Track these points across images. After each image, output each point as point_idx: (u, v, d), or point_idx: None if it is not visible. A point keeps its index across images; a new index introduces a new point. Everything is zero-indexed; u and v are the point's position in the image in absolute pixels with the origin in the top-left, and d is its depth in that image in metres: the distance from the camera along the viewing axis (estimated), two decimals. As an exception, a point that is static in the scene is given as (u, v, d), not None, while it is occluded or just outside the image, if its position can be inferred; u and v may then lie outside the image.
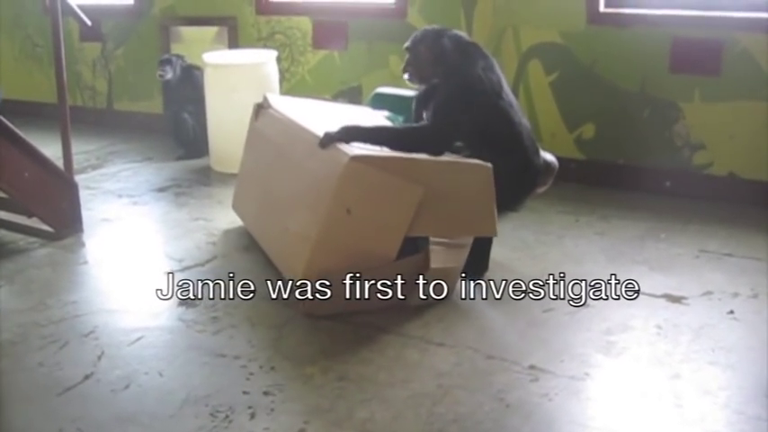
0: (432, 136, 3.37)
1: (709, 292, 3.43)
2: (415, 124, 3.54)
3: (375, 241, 3.19)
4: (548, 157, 3.74)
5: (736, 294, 3.41)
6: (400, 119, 4.09)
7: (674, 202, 4.57)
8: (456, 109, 3.37)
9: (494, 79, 3.49)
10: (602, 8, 4.79)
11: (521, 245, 3.97)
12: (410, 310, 3.26)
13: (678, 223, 4.24)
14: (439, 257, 3.28)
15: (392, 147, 3.30)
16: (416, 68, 3.57)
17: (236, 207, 4.32)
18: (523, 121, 3.62)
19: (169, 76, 5.66)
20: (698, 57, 4.56)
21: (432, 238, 3.28)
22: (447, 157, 3.39)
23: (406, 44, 3.61)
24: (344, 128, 3.32)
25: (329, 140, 3.30)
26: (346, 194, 3.13)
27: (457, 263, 3.36)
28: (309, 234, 3.22)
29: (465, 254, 3.42)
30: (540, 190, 3.71)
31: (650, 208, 4.46)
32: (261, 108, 4.16)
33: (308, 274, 3.19)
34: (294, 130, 3.71)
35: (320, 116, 3.92)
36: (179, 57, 5.79)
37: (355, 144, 3.29)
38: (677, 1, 4.66)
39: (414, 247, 3.35)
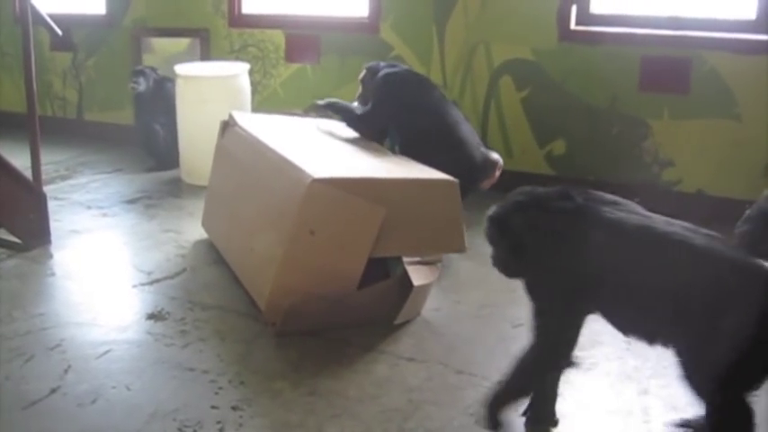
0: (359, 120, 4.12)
1: (677, 309, 3.46)
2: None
3: (340, 262, 3.17)
4: (491, 154, 4.18)
5: None
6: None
7: (642, 218, 4.60)
8: (381, 100, 4.06)
9: (422, 79, 4.29)
10: (572, 26, 4.85)
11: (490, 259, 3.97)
12: (380, 325, 3.26)
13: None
14: (418, 275, 3.27)
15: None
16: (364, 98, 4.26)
17: (205, 225, 4.30)
18: (464, 123, 4.14)
19: (142, 87, 5.63)
20: (667, 75, 4.62)
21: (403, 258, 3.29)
22: (412, 174, 3.41)
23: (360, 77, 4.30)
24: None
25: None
26: (309, 216, 3.11)
27: (429, 280, 3.35)
28: (274, 255, 3.21)
29: (436, 272, 3.42)
30: (485, 185, 4.06)
31: (619, 224, 4.48)
32: (227, 126, 4.15)
33: (274, 295, 3.18)
34: (259, 150, 3.70)
35: (287, 134, 3.92)
36: (152, 69, 5.76)
37: (322, 160, 3.30)
38: (646, 20, 4.73)
39: (383, 269, 3.36)
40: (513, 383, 2.44)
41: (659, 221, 2.36)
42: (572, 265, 2.32)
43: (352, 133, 4.14)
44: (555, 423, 2.61)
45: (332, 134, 4.09)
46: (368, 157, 3.71)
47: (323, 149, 3.81)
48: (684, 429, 2.60)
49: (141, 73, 5.67)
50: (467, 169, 3.87)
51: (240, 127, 4.00)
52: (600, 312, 2.40)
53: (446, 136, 4.02)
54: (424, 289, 3.31)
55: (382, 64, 4.29)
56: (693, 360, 2.24)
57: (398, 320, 3.26)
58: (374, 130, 4.16)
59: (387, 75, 4.15)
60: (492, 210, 2.44)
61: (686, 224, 2.37)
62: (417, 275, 3.25)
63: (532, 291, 2.43)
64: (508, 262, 2.48)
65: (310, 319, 3.17)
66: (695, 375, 2.24)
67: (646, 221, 2.36)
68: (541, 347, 2.39)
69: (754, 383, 2.22)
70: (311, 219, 3.12)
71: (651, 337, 2.35)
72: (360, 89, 4.31)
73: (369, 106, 4.13)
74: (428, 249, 3.38)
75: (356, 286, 3.21)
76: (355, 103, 4.27)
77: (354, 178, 3.23)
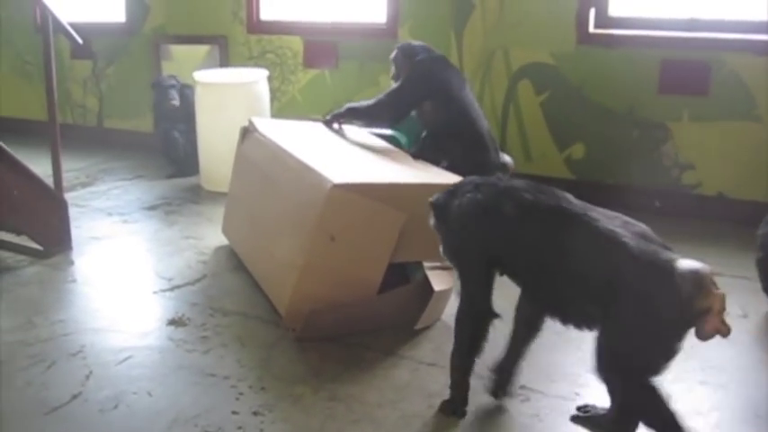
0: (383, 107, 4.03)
1: (698, 312, 3.44)
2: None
3: (359, 267, 3.18)
4: (504, 156, 4.17)
5: (726, 314, 3.40)
6: (403, 140, 4.19)
7: (663, 221, 4.54)
8: (413, 82, 3.99)
9: (456, 71, 4.19)
10: (591, 29, 4.83)
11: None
12: (400, 329, 3.26)
13: (668, 243, 4.23)
14: (439, 280, 3.26)
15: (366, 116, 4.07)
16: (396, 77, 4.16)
17: (225, 231, 4.31)
18: (483, 120, 4.06)
19: (179, 101, 5.66)
20: (686, 77, 4.60)
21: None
22: (432, 178, 3.40)
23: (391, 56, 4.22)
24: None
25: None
26: (329, 222, 3.11)
27: (449, 285, 3.34)
28: (295, 262, 3.21)
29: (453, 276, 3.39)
30: None
31: (640, 228, 4.46)
32: (247, 132, 4.15)
33: (294, 301, 3.19)
34: (279, 155, 3.69)
35: (306, 140, 3.92)
36: (173, 77, 5.80)
37: (342, 166, 3.29)
38: (665, 23, 4.70)
39: (402, 274, 3.35)
40: (457, 342, 2.66)
41: (577, 208, 2.48)
42: (483, 233, 2.55)
43: (372, 138, 4.12)
44: (510, 393, 2.78)
45: (351, 139, 4.07)
46: (388, 162, 3.69)
47: (342, 154, 3.79)
48: (586, 413, 2.65)
49: (172, 87, 5.69)
50: (483, 169, 3.84)
51: (260, 133, 4.01)
52: (522, 287, 2.62)
53: (468, 132, 3.98)
54: (445, 294, 3.31)
55: (416, 44, 4.24)
56: (597, 345, 2.36)
57: (419, 325, 3.26)
58: (400, 110, 4.06)
59: (425, 59, 4.09)
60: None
61: (621, 217, 2.48)
62: (438, 280, 3.25)
63: (448, 252, 2.68)
64: (439, 228, 2.72)
65: (330, 325, 3.17)
66: (598, 360, 2.35)
67: (560, 205, 2.50)
68: (463, 302, 2.64)
69: (654, 369, 2.32)
70: (332, 224, 3.12)
71: (564, 319, 2.50)
72: (392, 69, 4.23)
73: (398, 86, 4.07)
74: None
75: (376, 292, 3.21)
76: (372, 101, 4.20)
77: (374, 183, 3.23)
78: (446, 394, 2.78)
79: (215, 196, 5.13)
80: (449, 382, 2.72)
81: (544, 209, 2.48)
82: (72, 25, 4.33)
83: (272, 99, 5.61)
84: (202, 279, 3.86)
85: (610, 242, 2.33)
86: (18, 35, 6.90)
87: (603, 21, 4.84)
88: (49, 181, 4.16)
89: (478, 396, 2.76)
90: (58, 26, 4.18)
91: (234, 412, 2.71)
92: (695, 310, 2.21)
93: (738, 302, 3.51)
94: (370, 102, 4.11)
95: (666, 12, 4.76)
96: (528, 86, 5.05)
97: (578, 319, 2.45)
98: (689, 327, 2.26)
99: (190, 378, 2.94)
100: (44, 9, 4.08)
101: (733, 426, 2.63)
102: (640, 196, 4.75)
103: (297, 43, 5.78)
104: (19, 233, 4.11)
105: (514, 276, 2.61)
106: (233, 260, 4.06)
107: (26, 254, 4.11)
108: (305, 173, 3.34)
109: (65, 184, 4.36)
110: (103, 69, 6.61)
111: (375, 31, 5.52)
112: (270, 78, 5.52)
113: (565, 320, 2.50)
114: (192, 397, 2.81)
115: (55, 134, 4.16)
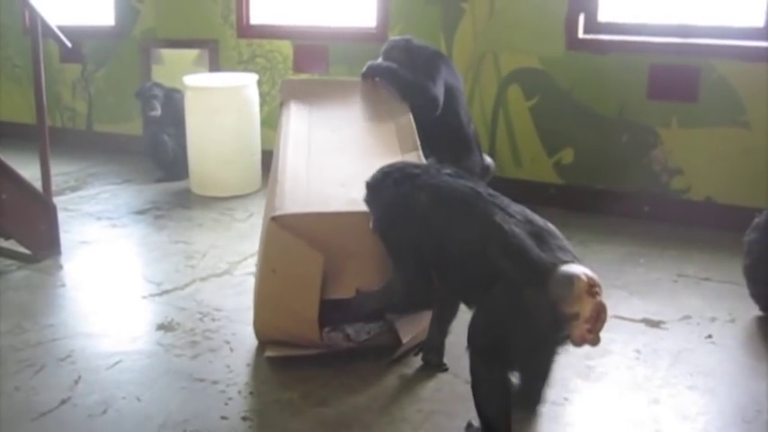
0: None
1: (687, 317, 3.46)
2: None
3: (297, 303, 2.99)
4: (487, 159, 4.24)
5: (713, 319, 3.43)
6: None
7: (652, 226, 4.60)
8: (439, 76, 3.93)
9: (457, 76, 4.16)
10: (580, 35, 4.85)
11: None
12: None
13: (656, 248, 4.27)
14: (407, 329, 3.10)
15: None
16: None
17: None
18: (472, 122, 4.15)
19: (159, 111, 5.65)
20: (675, 83, 4.61)
21: None
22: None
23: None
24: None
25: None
26: (270, 254, 3.01)
27: (420, 327, 3.13)
28: (257, 286, 3.18)
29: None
30: None
31: (629, 233, 4.49)
32: (282, 102, 4.00)
33: (258, 330, 3.15)
34: (276, 158, 3.49)
35: (314, 130, 3.71)
36: (157, 85, 5.79)
37: (308, 184, 3.20)
38: (654, 28, 4.72)
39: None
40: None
41: (482, 200, 2.59)
42: (404, 221, 2.70)
43: (390, 110, 3.85)
44: (441, 366, 2.99)
45: (371, 113, 3.85)
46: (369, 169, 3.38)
47: (327, 160, 3.52)
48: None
49: (153, 96, 5.67)
50: (469, 172, 3.82)
51: (285, 111, 3.84)
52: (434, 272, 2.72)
53: (460, 134, 3.99)
54: (417, 335, 3.13)
55: (409, 37, 4.19)
56: (469, 329, 2.52)
57: (395, 357, 3.09)
58: (440, 97, 3.90)
59: (438, 53, 4.12)
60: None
61: (524, 212, 2.57)
62: (405, 327, 3.10)
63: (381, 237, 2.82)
64: (369, 206, 2.88)
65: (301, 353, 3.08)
66: (468, 344, 2.51)
67: (466, 196, 2.62)
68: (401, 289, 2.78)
69: (511, 361, 2.46)
70: (272, 257, 3.01)
71: (466, 302, 2.67)
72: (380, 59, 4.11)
73: (429, 68, 3.94)
74: None
75: (316, 329, 3.00)
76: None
77: (311, 214, 3.01)
78: (435, 399, 2.78)
79: (205, 200, 5.13)
80: (439, 387, 2.72)
81: (453, 199, 2.63)
82: (61, 28, 4.32)
83: (262, 103, 5.60)
84: (191, 284, 3.85)
85: (495, 235, 2.44)
86: (7, 38, 6.88)
87: (593, 26, 4.86)
88: (38, 185, 4.15)
89: (467, 402, 2.77)
90: (47, 29, 4.17)
91: (223, 417, 2.71)
92: (563, 315, 2.25)
93: (726, 307, 3.53)
94: (408, 75, 3.91)
95: (655, 17, 4.78)
96: (517, 91, 5.06)
97: (475, 305, 2.57)
98: (558, 330, 2.31)
99: (179, 383, 2.93)
100: (33, 12, 4.08)
101: (721, 430, 2.64)
102: (629, 201, 4.77)
103: (287, 47, 5.78)
104: (7, 237, 4.09)
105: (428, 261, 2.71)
106: (222, 264, 4.05)
107: (15, 258, 4.09)
108: (275, 191, 3.18)
109: (54, 187, 4.34)
110: (93, 73, 6.59)
111: (365, 36, 5.53)
112: (260, 83, 5.52)
113: (467, 304, 2.65)
114: (180, 402, 2.80)
115: (44, 138, 4.14)
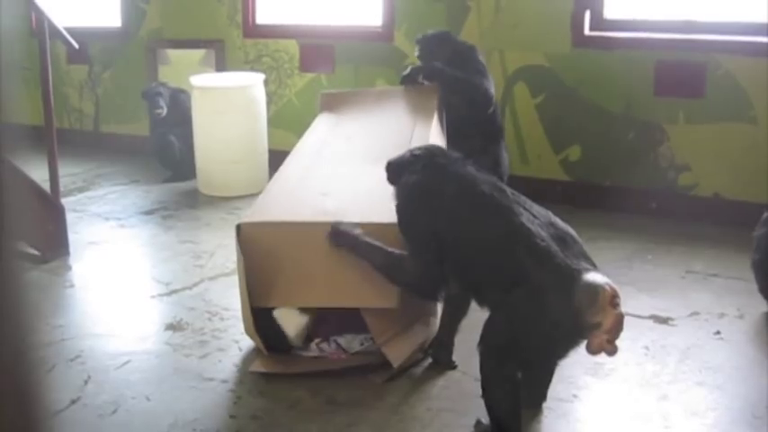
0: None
1: (695, 313, 3.45)
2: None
3: (245, 308, 3.02)
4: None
5: (722, 315, 3.43)
6: None
7: (659, 223, 4.59)
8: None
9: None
10: (586, 31, 4.84)
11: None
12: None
13: (664, 244, 4.26)
14: (397, 349, 2.98)
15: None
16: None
17: None
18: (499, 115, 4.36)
19: (165, 110, 5.65)
20: (682, 79, 4.61)
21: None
22: (369, 217, 3.00)
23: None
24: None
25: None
26: (242, 258, 3.01)
27: (412, 348, 3.03)
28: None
29: (423, 333, 3.14)
30: None
31: (636, 229, 4.48)
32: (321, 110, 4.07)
33: (248, 332, 3.14)
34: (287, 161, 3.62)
35: (336, 140, 3.76)
36: (163, 84, 5.80)
37: (297, 191, 3.25)
38: (660, 25, 4.72)
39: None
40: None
41: (507, 199, 2.56)
42: (426, 211, 2.68)
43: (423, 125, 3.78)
44: (450, 364, 3.00)
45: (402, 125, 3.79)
46: (361, 186, 3.32)
47: (332, 169, 3.48)
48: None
49: (158, 95, 5.68)
50: (496, 161, 3.92)
51: (312, 124, 3.92)
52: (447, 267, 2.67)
53: (493, 124, 4.15)
54: (411, 355, 3.02)
55: (447, 30, 4.35)
56: (485, 327, 2.49)
57: (387, 378, 2.97)
58: (492, 96, 4.06)
59: (474, 46, 4.23)
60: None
61: (548, 215, 2.56)
62: (395, 350, 2.96)
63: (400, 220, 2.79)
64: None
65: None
66: (480, 342, 2.47)
67: (492, 194, 2.59)
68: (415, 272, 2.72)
69: (525, 362, 2.48)
70: (243, 261, 3.01)
71: (479, 301, 2.63)
72: (417, 50, 4.25)
73: (478, 69, 4.05)
74: (352, 300, 2.96)
75: (256, 335, 3.02)
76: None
77: (282, 222, 3.03)
78: (444, 396, 2.79)
79: (212, 200, 5.14)
80: (447, 384, 2.72)
81: (479, 194, 2.59)
82: (68, 30, 4.34)
83: (269, 103, 5.61)
84: (200, 283, 3.86)
85: (521, 236, 2.42)
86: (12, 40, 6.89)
87: (599, 23, 4.85)
88: (46, 186, 4.17)
89: (476, 400, 2.77)
90: (54, 31, 4.19)
91: (232, 416, 2.72)
92: (586, 323, 2.25)
93: (734, 303, 3.52)
94: (457, 72, 4.00)
95: (662, 14, 4.77)
96: (524, 89, 5.06)
97: (490, 305, 2.54)
98: (578, 337, 2.32)
99: (188, 382, 2.94)
100: (40, 14, 4.09)
101: (730, 426, 2.63)
102: (636, 198, 4.76)
103: (293, 47, 5.79)
104: (16, 239, 4.10)
105: (445, 253, 2.67)
106: (230, 264, 4.06)
107: (23, 259, 4.09)
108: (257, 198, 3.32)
109: (61, 188, 4.37)
110: (100, 74, 6.61)
111: (371, 35, 5.53)
112: (266, 82, 5.53)
113: (480, 303, 2.62)
114: (190, 401, 2.81)
115: (51, 139, 4.16)
